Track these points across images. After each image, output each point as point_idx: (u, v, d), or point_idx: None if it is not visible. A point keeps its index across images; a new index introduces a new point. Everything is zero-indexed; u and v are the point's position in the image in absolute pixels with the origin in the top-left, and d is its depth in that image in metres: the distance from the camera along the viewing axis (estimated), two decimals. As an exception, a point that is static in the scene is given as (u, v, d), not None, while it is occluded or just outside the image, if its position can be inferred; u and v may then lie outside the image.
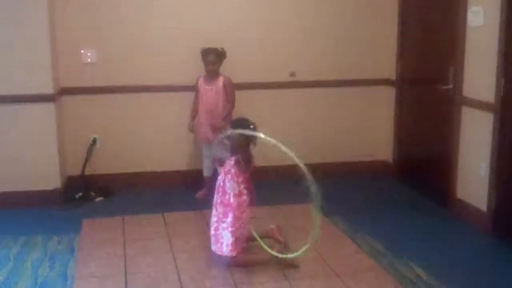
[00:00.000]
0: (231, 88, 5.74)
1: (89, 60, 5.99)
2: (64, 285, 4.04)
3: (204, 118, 5.70)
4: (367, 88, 6.62)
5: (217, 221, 4.33)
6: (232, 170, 4.32)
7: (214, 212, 4.38)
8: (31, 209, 5.50)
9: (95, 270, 4.26)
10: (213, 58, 5.67)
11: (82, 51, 5.97)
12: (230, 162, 4.37)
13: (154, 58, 6.09)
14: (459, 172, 5.36)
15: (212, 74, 5.70)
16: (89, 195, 5.89)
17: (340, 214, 5.34)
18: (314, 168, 6.41)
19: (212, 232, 4.36)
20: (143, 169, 6.25)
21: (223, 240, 4.28)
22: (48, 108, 5.60)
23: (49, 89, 5.56)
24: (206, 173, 5.87)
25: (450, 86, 5.38)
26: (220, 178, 4.40)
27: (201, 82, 5.75)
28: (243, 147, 4.32)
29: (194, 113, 5.82)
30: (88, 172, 6.08)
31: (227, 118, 5.59)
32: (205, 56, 5.69)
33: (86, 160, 6.06)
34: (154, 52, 6.09)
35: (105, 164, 6.16)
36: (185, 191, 5.99)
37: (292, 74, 6.39)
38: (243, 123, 4.37)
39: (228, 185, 4.30)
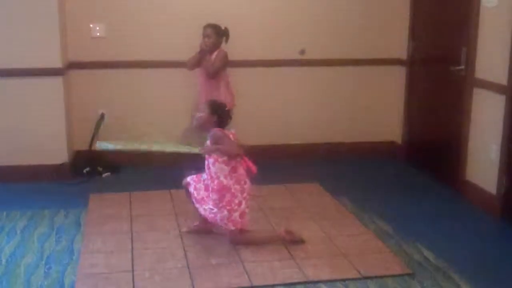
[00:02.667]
0: (220, 57, 5.59)
1: (98, 34, 5.96)
2: (70, 260, 4.05)
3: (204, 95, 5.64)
4: (377, 67, 6.56)
5: (214, 205, 4.23)
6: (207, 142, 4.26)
7: (209, 202, 4.27)
8: (39, 183, 5.51)
9: (102, 245, 4.26)
10: (210, 31, 5.58)
11: (91, 25, 5.94)
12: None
13: (163, 33, 6.05)
14: (469, 155, 5.32)
15: (205, 47, 5.58)
16: (96, 170, 5.88)
17: (347, 194, 5.32)
18: (323, 148, 6.46)
19: (212, 210, 4.28)
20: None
21: (218, 218, 4.23)
22: (56, 82, 5.58)
23: (57, 63, 5.54)
24: None
25: (462, 67, 5.32)
26: (205, 164, 4.29)
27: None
28: (210, 126, 4.24)
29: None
30: (95, 147, 6.07)
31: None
32: (204, 30, 5.61)
33: (94, 135, 6.05)
34: (163, 27, 6.04)
35: (113, 139, 6.13)
36: (192, 167, 5.96)
37: (302, 52, 6.34)
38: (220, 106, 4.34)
39: (214, 169, 4.21)
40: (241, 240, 4.27)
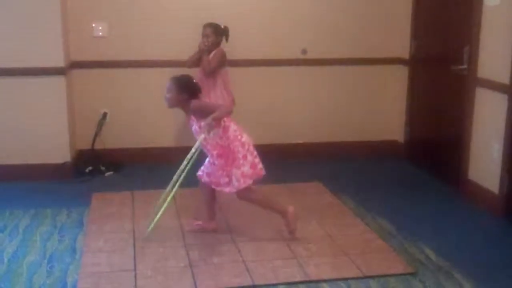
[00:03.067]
0: (217, 56, 5.55)
1: (100, 33, 5.97)
2: (72, 259, 4.05)
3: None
4: (379, 67, 6.57)
5: (213, 163, 4.26)
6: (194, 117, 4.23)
7: (217, 168, 4.28)
8: (41, 182, 5.52)
9: (104, 244, 4.27)
10: (209, 30, 5.57)
11: (93, 24, 5.94)
12: (192, 121, 4.26)
13: (165, 33, 6.06)
14: (471, 154, 5.32)
15: (203, 47, 5.57)
16: (99, 169, 5.89)
17: (349, 193, 5.33)
18: (324, 147, 6.45)
19: (226, 180, 4.27)
20: (153, 144, 6.24)
21: (238, 176, 4.22)
22: (58, 82, 5.59)
23: (60, 62, 5.55)
24: None
25: (465, 66, 5.32)
26: (199, 140, 4.21)
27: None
28: (184, 103, 4.22)
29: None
30: (98, 146, 6.08)
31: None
32: (203, 29, 5.61)
33: (96, 134, 6.06)
34: (166, 27, 6.06)
35: (115, 138, 6.15)
36: (194, 167, 5.95)
37: (304, 51, 6.34)
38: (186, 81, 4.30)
39: (211, 137, 4.16)
40: (250, 198, 4.32)
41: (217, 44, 5.62)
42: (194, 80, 4.35)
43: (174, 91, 4.21)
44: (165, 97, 4.28)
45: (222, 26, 5.64)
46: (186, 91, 4.22)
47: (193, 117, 4.24)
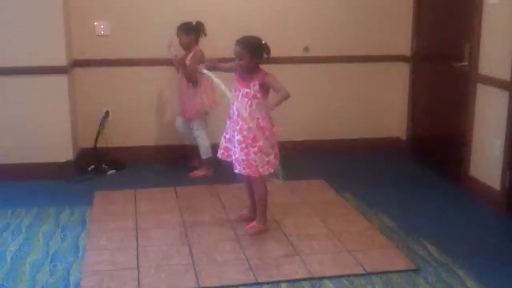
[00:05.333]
0: (195, 59, 5.45)
1: (102, 32, 5.97)
2: (75, 257, 4.06)
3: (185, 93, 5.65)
4: (381, 64, 6.57)
5: (246, 147, 4.20)
6: (258, 94, 4.17)
7: (239, 138, 4.23)
8: (43, 181, 5.52)
9: (107, 243, 4.27)
10: (179, 32, 5.57)
11: (95, 23, 5.95)
12: (248, 84, 4.20)
13: (167, 31, 6.04)
14: (473, 150, 5.32)
15: (183, 47, 5.61)
16: (101, 167, 5.90)
17: (352, 190, 5.33)
18: (327, 144, 6.46)
19: (243, 157, 4.22)
20: (156, 143, 6.25)
21: (258, 162, 4.22)
22: (61, 80, 5.59)
23: (62, 61, 5.55)
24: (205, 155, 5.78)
25: (466, 63, 5.32)
26: (237, 105, 4.22)
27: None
28: (253, 66, 4.21)
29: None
30: (100, 144, 6.09)
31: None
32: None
33: (99, 133, 6.07)
34: (167, 25, 6.03)
35: (118, 137, 6.15)
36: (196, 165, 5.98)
37: (306, 49, 6.34)
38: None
39: (257, 109, 4.15)
40: (262, 185, 4.36)
41: (191, 43, 5.59)
42: (263, 41, 4.23)
43: (247, 56, 4.13)
44: (231, 66, 4.28)
45: (194, 23, 5.58)
46: (258, 54, 4.14)
47: (242, 83, 4.22)
